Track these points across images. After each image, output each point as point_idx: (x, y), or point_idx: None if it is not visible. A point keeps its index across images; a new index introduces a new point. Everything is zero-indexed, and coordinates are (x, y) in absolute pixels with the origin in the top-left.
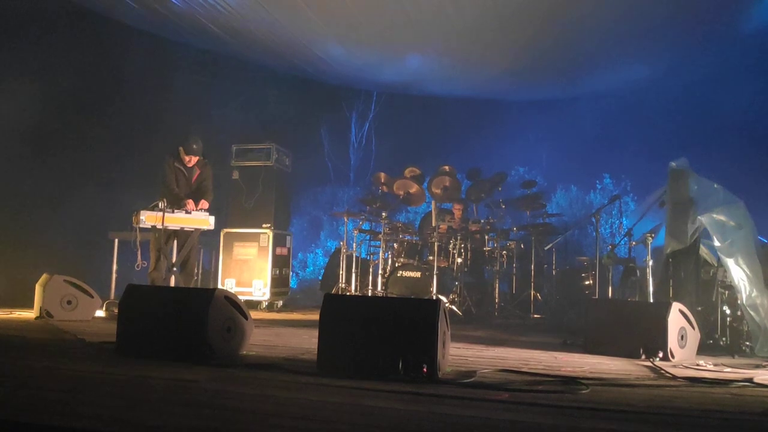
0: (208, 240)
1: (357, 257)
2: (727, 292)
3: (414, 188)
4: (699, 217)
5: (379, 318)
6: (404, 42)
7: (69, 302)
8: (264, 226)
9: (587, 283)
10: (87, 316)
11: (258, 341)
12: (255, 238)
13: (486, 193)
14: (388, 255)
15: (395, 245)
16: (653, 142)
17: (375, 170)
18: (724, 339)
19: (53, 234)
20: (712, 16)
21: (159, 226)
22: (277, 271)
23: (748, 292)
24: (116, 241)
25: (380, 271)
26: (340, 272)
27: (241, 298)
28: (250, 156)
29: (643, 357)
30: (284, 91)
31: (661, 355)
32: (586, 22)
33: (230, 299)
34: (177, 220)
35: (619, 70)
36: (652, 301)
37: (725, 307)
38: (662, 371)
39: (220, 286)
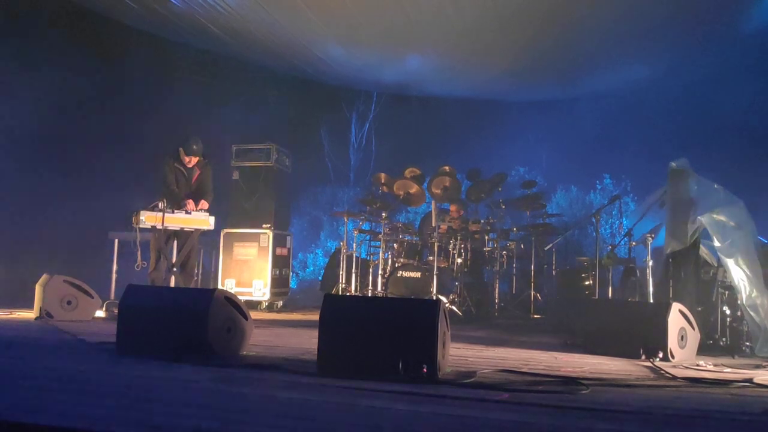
0: (208, 240)
1: (357, 257)
2: (727, 292)
3: (414, 188)
4: (699, 218)
5: (379, 318)
6: (404, 42)
7: (69, 302)
8: (264, 226)
9: (587, 283)
10: (87, 317)
11: (258, 341)
12: (255, 238)
13: (486, 193)
14: (388, 255)
15: (395, 245)
16: (653, 143)
17: (375, 170)
18: (724, 339)
19: (53, 234)
20: (711, 16)
21: (159, 227)
22: (277, 272)
23: (748, 293)
24: (116, 241)
25: (380, 272)
26: (340, 272)
27: (241, 298)
28: (250, 156)
29: (643, 357)
30: (284, 91)
31: (661, 355)
32: (586, 23)
33: (230, 299)
34: (177, 220)
35: (619, 70)
36: (652, 301)
37: (725, 308)
38: (662, 371)
39: (220, 287)
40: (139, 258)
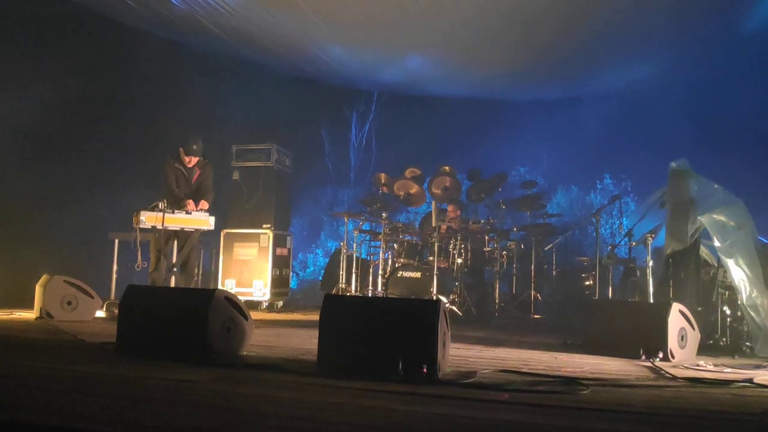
0: (208, 240)
1: (357, 258)
2: (727, 292)
3: (414, 189)
4: (699, 218)
5: (379, 318)
6: (404, 42)
7: (69, 303)
8: (264, 226)
9: (587, 283)
10: (87, 317)
11: (258, 342)
12: (255, 238)
13: (486, 193)
14: (388, 255)
15: (395, 246)
16: (654, 143)
17: (375, 171)
18: (724, 339)
19: (53, 234)
20: (713, 16)
21: (159, 227)
22: (278, 272)
23: (748, 293)
24: (116, 241)
25: (380, 272)
26: (341, 273)
27: (242, 298)
28: (250, 156)
29: (644, 357)
30: (284, 91)
31: (661, 355)
32: (587, 23)
33: (230, 300)
34: (177, 220)
35: (620, 70)
36: (652, 301)
37: (725, 308)
38: (662, 372)
39: (220, 287)
40: (139, 258)
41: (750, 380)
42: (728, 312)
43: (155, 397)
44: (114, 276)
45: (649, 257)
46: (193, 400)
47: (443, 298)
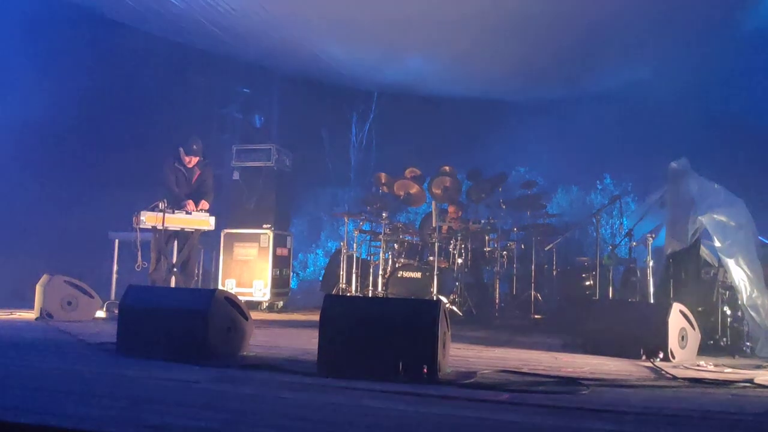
0: (208, 240)
1: (357, 258)
2: (727, 292)
3: (414, 189)
4: (699, 218)
5: (379, 318)
6: (404, 42)
7: (69, 303)
8: (264, 226)
9: (588, 283)
10: (87, 317)
11: (258, 342)
12: (255, 238)
13: (486, 193)
14: (388, 255)
15: (395, 246)
16: (654, 143)
17: (375, 171)
18: (724, 339)
19: (53, 234)
20: (713, 15)
21: (159, 227)
22: (278, 272)
23: (748, 293)
24: (117, 241)
25: (380, 272)
26: (341, 273)
27: (242, 298)
28: (250, 156)
29: (644, 358)
30: (284, 91)
31: (661, 355)
32: (587, 22)
33: (231, 300)
34: (177, 220)
35: (620, 70)
36: (652, 301)
37: (726, 308)
38: (663, 372)
39: (220, 287)
40: (139, 258)
41: (750, 380)
42: (728, 312)
43: (155, 397)
44: (114, 276)
45: (649, 257)
46: (193, 400)
47: (443, 299)
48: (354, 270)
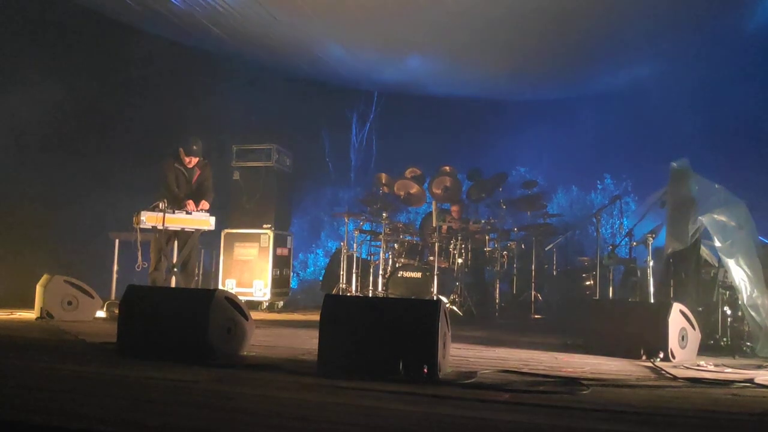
0: (208, 240)
1: (358, 258)
2: (727, 292)
3: (414, 189)
4: (700, 218)
5: (379, 318)
6: (404, 42)
7: (69, 303)
8: (265, 226)
9: (588, 283)
10: (87, 317)
11: (258, 342)
12: (256, 238)
13: (487, 193)
14: (388, 255)
15: (396, 246)
16: (654, 143)
17: (376, 171)
18: (724, 339)
19: (53, 234)
20: (714, 15)
21: (160, 227)
22: (278, 272)
23: (748, 293)
24: (117, 241)
25: (381, 272)
26: (341, 273)
27: (242, 298)
28: (250, 156)
29: (644, 357)
30: (284, 91)
31: (661, 355)
32: (587, 22)
33: (231, 300)
34: (177, 220)
35: (620, 70)
36: (652, 301)
37: (726, 308)
38: (663, 372)
39: (220, 287)
40: (139, 258)
41: (751, 380)
42: (729, 312)
43: (155, 397)
44: (114, 276)
45: (649, 257)
46: (193, 400)
47: (444, 299)
48: (354, 270)
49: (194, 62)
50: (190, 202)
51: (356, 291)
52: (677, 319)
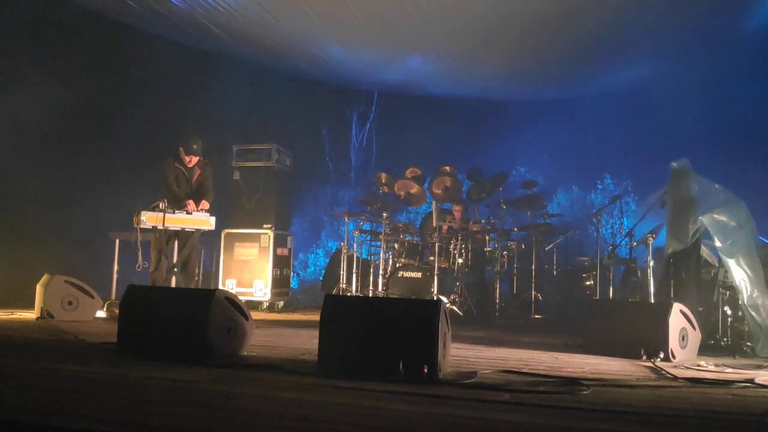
0: (209, 240)
1: (358, 258)
2: (728, 292)
3: (415, 188)
4: (700, 218)
5: (379, 318)
6: (404, 42)
7: (70, 303)
8: (265, 226)
9: (588, 283)
10: (88, 317)
11: (259, 342)
12: (256, 238)
13: (487, 193)
14: (388, 255)
15: (396, 246)
16: (654, 143)
17: (376, 170)
18: (725, 339)
19: (54, 234)
20: (714, 15)
21: (160, 227)
22: (278, 272)
23: (749, 293)
24: (117, 241)
25: (381, 272)
26: (341, 273)
27: (242, 298)
28: (250, 156)
29: (644, 358)
30: (285, 91)
31: (662, 355)
32: (587, 22)
33: (231, 300)
34: (178, 220)
35: (620, 70)
36: (653, 301)
37: (726, 308)
38: (663, 372)
39: (220, 287)
40: (140, 258)
41: (751, 381)
42: (729, 312)
43: (155, 397)
44: (115, 276)
45: (649, 257)
46: (193, 400)
47: (444, 299)
48: (354, 270)
49: (194, 62)
50: (191, 202)
51: (356, 291)
52: (677, 319)
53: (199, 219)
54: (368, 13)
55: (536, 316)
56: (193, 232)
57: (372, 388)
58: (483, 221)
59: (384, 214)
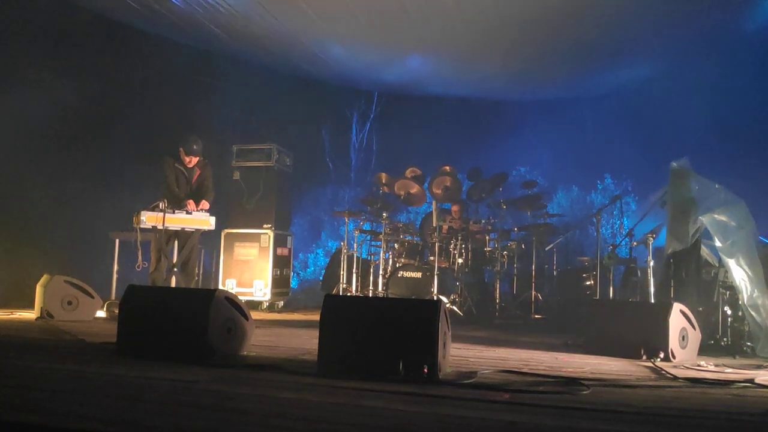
0: (208, 240)
1: (358, 258)
2: (728, 292)
3: (415, 188)
4: (700, 218)
5: (379, 318)
6: (404, 42)
7: (69, 303)
8: (265, 226)
9: (588, 283)
10: (88, 317)
11: (259, 342)
12: (256, 238)
13: (487, 193)
14: (388, 255)
15: (396, 245)
16: (654, 143)
17: (376, 170)
18: (725, 339)
19: (53, 234)
20: (714, 15)
21: (160, 227)
22: (278, 272)
23: (749, 293)
24: (117, 241)
25: (381, 272)
26: (341, 273)
27: (242, 298)
28: (250, 156)
29: (644, 358)
30: (285, 91)
31: (662, 355)
32: (587, 22)
33: (231, 300)
34: (178, 220)
35: (620, 69)
36: (653, 301)
37: (726, 308)
38: (663, 372)
39: (220, 287)
40: (139, 258)
41: (751, 380)
42: (729, 312)
43: (155, 397)
44: (114, 276)
45: (650, 257)
46: (193, 400)
47: (444, 299)
48: (354, 270)
49: (194, 62)
50: (191, 201)
51: (356, 291)
52: (678, 319)
53: (199, 219)
54: (368, 13)
55: (536, 316)
56: (193, 232)
57: (372, 388)
58: (483, 221)
59: (384, 214)
